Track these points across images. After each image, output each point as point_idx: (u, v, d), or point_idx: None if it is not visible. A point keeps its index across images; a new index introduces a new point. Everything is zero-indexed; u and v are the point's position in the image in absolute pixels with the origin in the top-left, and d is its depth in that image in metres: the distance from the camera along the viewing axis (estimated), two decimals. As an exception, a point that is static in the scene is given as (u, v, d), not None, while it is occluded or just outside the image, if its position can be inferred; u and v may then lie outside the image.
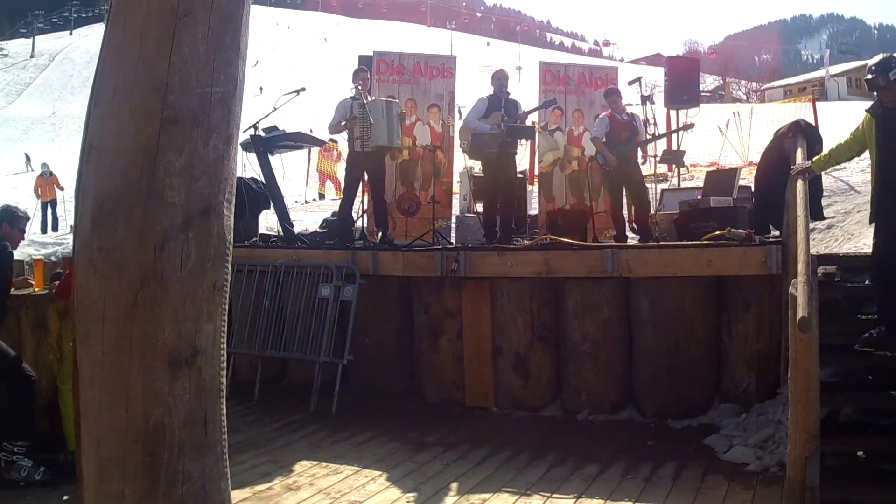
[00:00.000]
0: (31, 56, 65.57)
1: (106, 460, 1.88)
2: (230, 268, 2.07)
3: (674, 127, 11.11)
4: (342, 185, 9.94)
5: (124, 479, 1.87)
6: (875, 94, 4.92)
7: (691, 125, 8.14)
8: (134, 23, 1.97)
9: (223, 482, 2.05)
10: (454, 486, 4.79)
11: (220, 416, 2.05)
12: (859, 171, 10.97)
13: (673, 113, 11.94)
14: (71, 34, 73.78)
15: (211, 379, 2.01)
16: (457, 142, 8.65)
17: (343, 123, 7.77)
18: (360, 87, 7.76)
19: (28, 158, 34.18)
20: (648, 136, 7.87)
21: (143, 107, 1.94)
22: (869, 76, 4.81)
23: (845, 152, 5.15)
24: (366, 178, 8.14)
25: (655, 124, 8.50)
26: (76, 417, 1.94)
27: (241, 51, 2.07)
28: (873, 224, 4.96)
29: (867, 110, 4.92)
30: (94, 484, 1.89)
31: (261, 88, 51.75)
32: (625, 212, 8.01)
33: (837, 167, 11.34)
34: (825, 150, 5.30)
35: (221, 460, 2.05)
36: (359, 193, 8.49)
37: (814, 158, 5.21)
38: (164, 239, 1.92)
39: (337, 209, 10.32)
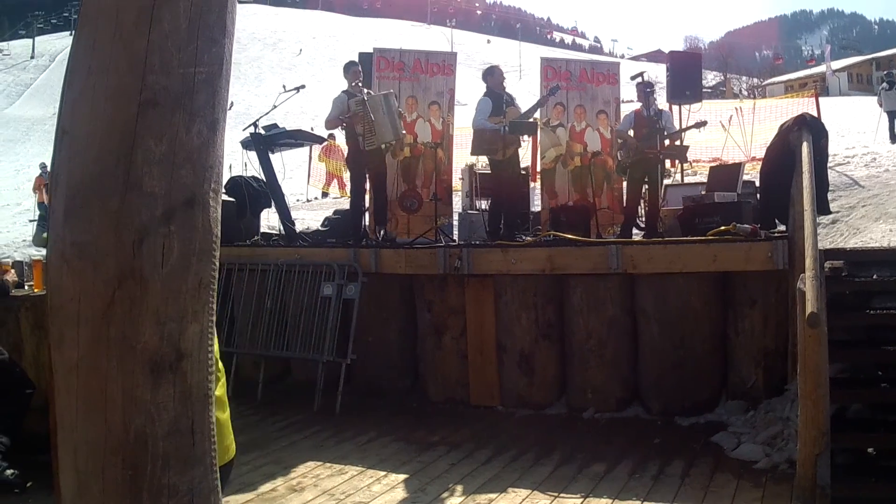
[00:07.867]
0: (32, 57, 65.43)
1: (84, 473, 1.72)
2: (218, 263, 1.94)
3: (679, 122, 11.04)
4: (346, 184, 9.88)
5: (104, 493, 1.71)
6: None
7: (704, 122, 8.02)
8: None
9: (213, 496, 1.88)
10: (460, 486, 4.72)
11: (209, 425, 1.87)
12: (863, 166, 10.90)
13: (675, 108, 11.86)
14: (71, 34, 73.73)
15: (198, 384, 1.84)
16: (456, 139, 8.62)
17: (341, 118, 7.72)
18: (359, 83, 7.72)
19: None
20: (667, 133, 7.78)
21: (119, 88, 1.78)
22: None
23: None
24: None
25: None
26: (52, 427, 1.80)
27: (227, 28, 1.88)
28: None
29: None
30: (72, 499, 1.73)
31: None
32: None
33: (841, 162, 11.37)
34: None
35: (211, 472, 1.88)
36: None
37: None
38: (144, 233, 1.76)
39: (339, 208, 10.30)
